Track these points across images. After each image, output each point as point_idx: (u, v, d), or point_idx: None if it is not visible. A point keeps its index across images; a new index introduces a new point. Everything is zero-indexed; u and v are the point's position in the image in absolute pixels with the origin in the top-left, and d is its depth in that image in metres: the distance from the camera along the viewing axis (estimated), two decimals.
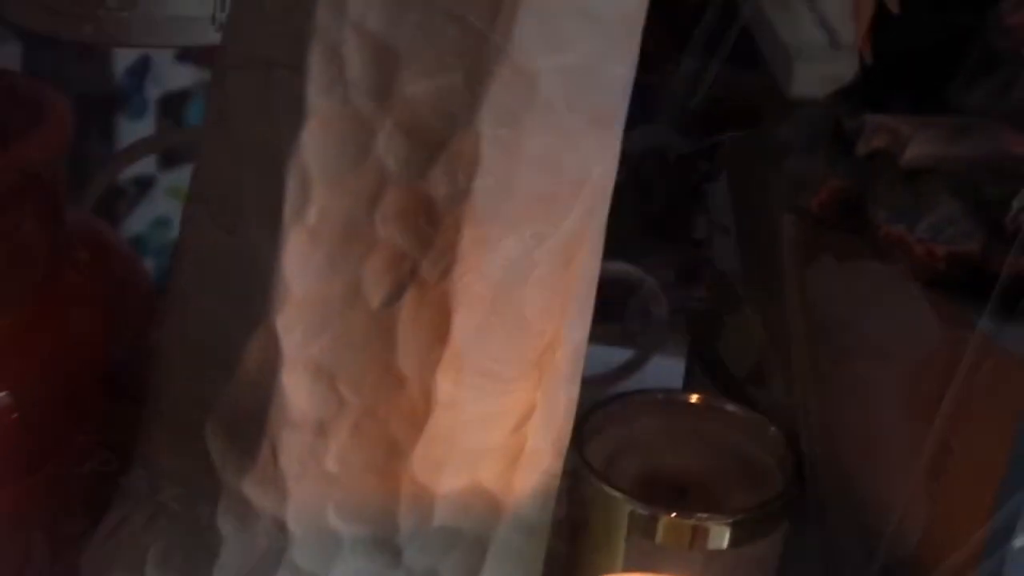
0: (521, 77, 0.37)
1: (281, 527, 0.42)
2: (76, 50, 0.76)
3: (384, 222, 0.38)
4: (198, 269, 0.40)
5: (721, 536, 0.45)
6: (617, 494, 0.45)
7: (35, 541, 0.46)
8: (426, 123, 0.37)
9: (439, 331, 0.40)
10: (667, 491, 0.48)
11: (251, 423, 0.40)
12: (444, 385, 0.40)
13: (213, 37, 0.49)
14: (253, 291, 0.39)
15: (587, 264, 0.42)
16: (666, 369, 0.60)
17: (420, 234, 0.38)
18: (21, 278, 0.45)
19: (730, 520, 0.45)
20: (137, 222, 0.79)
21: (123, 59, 0.77)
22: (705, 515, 0.45)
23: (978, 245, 0.41)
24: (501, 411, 0.42)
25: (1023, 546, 0.40)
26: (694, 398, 0.50)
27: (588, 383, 0.59)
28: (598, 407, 0.50)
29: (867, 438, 0.44)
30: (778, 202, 0.47)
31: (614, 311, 0.68)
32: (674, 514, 0.45)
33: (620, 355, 0.64)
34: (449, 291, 0.39)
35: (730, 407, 0.50)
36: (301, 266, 0.38)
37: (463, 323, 0.40)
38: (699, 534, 0.45)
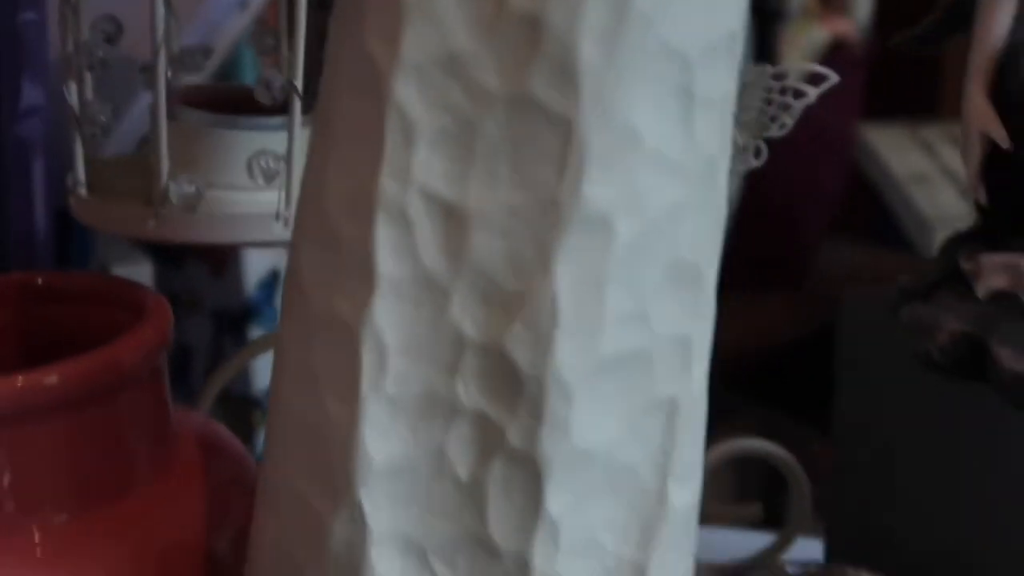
0: (596, 231, 0.36)
1: None
2: (207, 270, 0.78)
3: (466, 388, 0.37)
4: (284, 448, 0.40)
5: None
6: None
7: None
8: (502, 283, 0.36)
9: (532, 499, 0.38)
10: None
11: None
12: (542, 558, 0.38)
13: (278, 233, 0.49)
14: (336, 466, 0.38)
15: (691, 419, 0.40)
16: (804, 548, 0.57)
17: (504, 398, 0.37)
18: (127, 468, 0.45)
19: None
20: None
21: (253, 275, 0.78)
22: None
23: None
24: None
25: None
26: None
27: (729, 571, 0.56)
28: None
29: None
30: (896, 352, 0.45)
31: (754, 491, 0.65)
32: None
33: (761, 539, 0.61)
34: (539, 457, 0.37)
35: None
36: (383, 437, 0.37)
37: (557, 489, 0.38)
38: None
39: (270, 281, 0.78)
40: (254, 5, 0.67)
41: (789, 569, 0.48)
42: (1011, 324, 0.40)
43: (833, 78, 0.57)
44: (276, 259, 0.79)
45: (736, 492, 0.64)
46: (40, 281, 0.50)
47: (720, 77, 0.37)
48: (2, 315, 0.50)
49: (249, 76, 0.73)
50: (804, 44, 1.01)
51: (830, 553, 0.54)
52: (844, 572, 0.46)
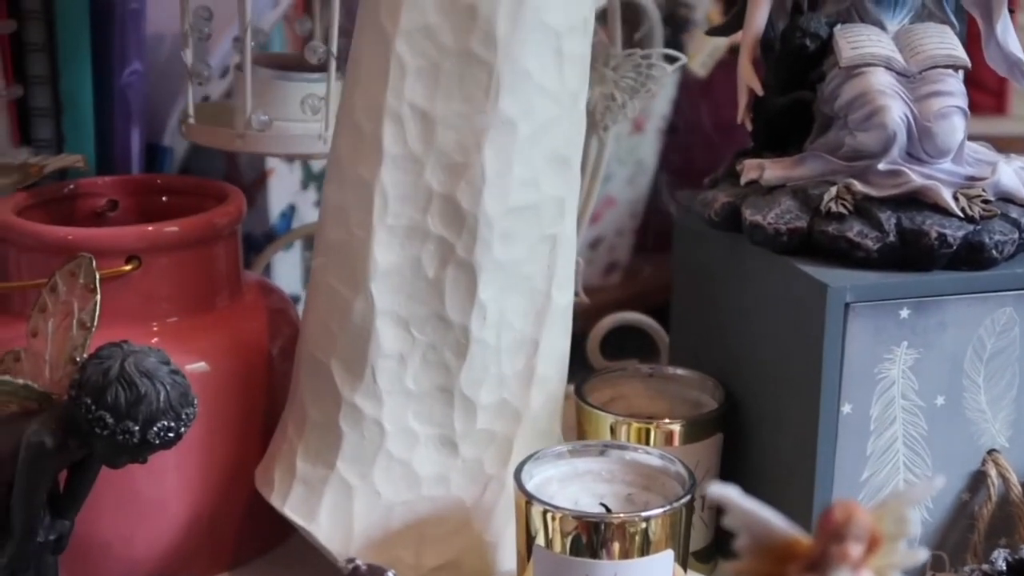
0: (506, 129, 0.63)
1: (380, 426, 0.66)
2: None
3: (433, 221, 0.64)
4: (325, 261, 0.66)
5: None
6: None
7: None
8: (452, 158, 0.63)
9: (470, 291, 0.65)
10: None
11: (359, 356, 0.66)
12: (476, 328, 0.65)
13: (320, 148, 0.75)
14: (357, 269, 0.65)
15: (567, 250, 0.67)
16: None
17: (455, 227, 0.64)
18: (215, 291, 0.72)
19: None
20: None
21: (276, 207, 1.05)
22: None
23: (806, 223, 0.65)
24: (517, 347, 0.67)
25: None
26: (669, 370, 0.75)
27: None
28: (597, 375, 0.74)
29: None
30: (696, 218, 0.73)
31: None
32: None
33: None
34: (475, 264, 0.64)
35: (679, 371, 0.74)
36: (385, 250, 0.64)
37: (485, 286, 0.65)
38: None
39: (288, 212, 1.05)
40: (283, 4, 0.94)
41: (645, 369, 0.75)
42: (754, 197, 0.68)
43: (683, 59, 0.84)
44: (293, 196, 1.05)
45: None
46: (158, 180, 0.77)
47: (578, 44, 0.64)
48: (132, 200, 0.77)
49: (279, 49, 1.00)
50: (707, 49, 1.27)
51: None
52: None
